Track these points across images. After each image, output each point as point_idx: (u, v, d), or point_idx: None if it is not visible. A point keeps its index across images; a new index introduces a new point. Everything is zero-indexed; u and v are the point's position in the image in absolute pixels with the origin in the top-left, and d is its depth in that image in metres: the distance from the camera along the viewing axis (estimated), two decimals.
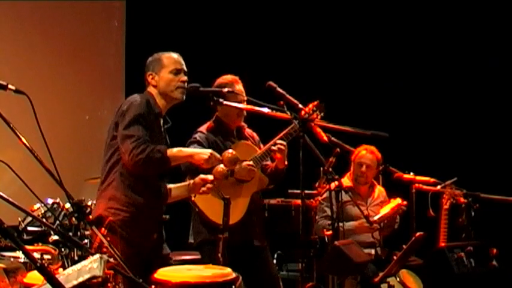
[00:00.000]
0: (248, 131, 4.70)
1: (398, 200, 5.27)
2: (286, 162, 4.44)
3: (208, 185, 3.80)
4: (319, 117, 4.28)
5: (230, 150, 3.73)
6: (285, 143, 4.35)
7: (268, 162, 4.57)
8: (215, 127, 4.56)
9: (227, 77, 4.53)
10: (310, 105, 4.29)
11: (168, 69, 3.77)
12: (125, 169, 3.67)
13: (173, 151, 3.65)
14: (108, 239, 2.92)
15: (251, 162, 4.35)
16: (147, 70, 3.84)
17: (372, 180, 5.57)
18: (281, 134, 4.38)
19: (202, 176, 3.83)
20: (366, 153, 5.44)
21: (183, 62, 3.83)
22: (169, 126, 3.91)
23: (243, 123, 4.66)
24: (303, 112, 4.15)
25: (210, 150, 3.69)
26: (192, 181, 3.86)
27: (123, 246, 3.57)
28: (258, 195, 4.63)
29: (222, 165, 3.78)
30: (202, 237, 4.48)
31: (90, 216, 3.02)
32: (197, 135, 4.48)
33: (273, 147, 4.35)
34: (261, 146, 4.61)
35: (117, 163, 3.70)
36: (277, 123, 4.24)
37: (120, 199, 3.68)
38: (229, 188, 4.26)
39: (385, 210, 5.32)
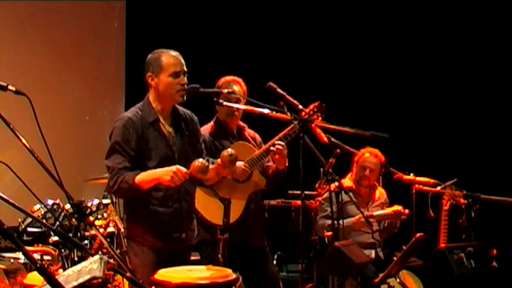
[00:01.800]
0: (249, 132, 4.70)
1: (400, 208, 5.25)
2: (286, 163, 4.43)
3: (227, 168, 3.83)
4: (319, 118, 4.26)
5: (201, 160, 3.67)
6: (283, 143, 4.32)
7: (270, 163, 4.56)
8: (215, 128, 4.56)
9: (227, 77, 4.53)
10: (311, 106, 4.27)
11: (167, 72, 3.74)
12: None
13: (140, 177, 3.64)
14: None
15: (246, 163, 4.35)
16: (146, 70, 3.82)
17: (373, 182, 5.56)
18: (280, 135, 4.36)
19: (218, 160, 3.85)
20: (370, 157, 5.40)
21: (183, 62, 3.80)
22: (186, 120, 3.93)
23: (243, 124, 4.65)
24: (303, 113, 4.14)
25: (173, 169, 3.60)
26: (214, 166, 3.84)
27: (150, 255, 3.72)
28: (257, 196, 4.63)
29: (229, 149, 3.80)
30: (200, 237, 4.48)
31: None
32: None
33: (272, 148, 4.33)
34: (263, 146, 4.61)
35: None
36: (278, 124, 4.23)
37: (136, 211, 3.79)
38: (226, 188, 4.26)
39: (386, 210, 5.33)
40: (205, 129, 4.55)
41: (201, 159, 3.67)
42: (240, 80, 4.54)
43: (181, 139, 3.87)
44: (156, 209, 3.76)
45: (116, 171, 3.67)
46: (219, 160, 3.80)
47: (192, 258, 4.91)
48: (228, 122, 4.56)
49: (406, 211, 5.23)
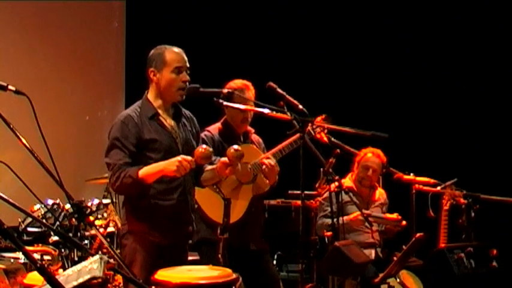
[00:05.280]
0: (255, 137, 4.69)
1: (400, 217, 5.25)
2: (272, 182, 4.39)
3: (230, 168, 3.72)
4: (325, 131, 4.29)
5: (204, 146, 3.65)
6: (273, 163, 4.29)
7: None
8: (223, 130, 4.54)
9: (238, 82, 4.48)
10: (318, 119, 4.30)
11: (170, 68, 3.72)
12: None
13: (144, 170, 3.59)
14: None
15: (252, 166, 4.36)
16: (149, 65, 3.79)
17: (374, 182, 5.56)
18: (283, 144, 4.37)
19: (222, 159, 3.75)
20: (372, 157, 5.40)
21: (186, 59, 3.78)
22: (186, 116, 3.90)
23: (250, 128, 4.65)
24: (309, 128, 4.14)
25: (178, 158, 3.56)
26: (216, 165, 3.79)
27: (152, 250, 3.66)
28: (258, 199, 4.62)
29: (235, 146, 3.71)
30: (200, 236, 4.47)
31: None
32: (203, 134, 4.46)
33: (264, 161, 4.32)
34: (265, 152, 4.60)
35: None
36: (281, 125, 4.22)
37: (139, 208, 3.70)
38: (230, 188, 4.25)
39: (385, 215, 5.34)
40: (214, 129, 4.54)
41: (204, 146, 3.65)
42: (249, 84, 4.52)
43: (185, 133, 3.84)
44: (161, 202, 3.70)
45: (118, 167, 3.60)
46: (222, 159, 3.76)
47: (192, 258, 4.92)
48: (236, 126, 4.55)
49: (404, 223, 5.24)
